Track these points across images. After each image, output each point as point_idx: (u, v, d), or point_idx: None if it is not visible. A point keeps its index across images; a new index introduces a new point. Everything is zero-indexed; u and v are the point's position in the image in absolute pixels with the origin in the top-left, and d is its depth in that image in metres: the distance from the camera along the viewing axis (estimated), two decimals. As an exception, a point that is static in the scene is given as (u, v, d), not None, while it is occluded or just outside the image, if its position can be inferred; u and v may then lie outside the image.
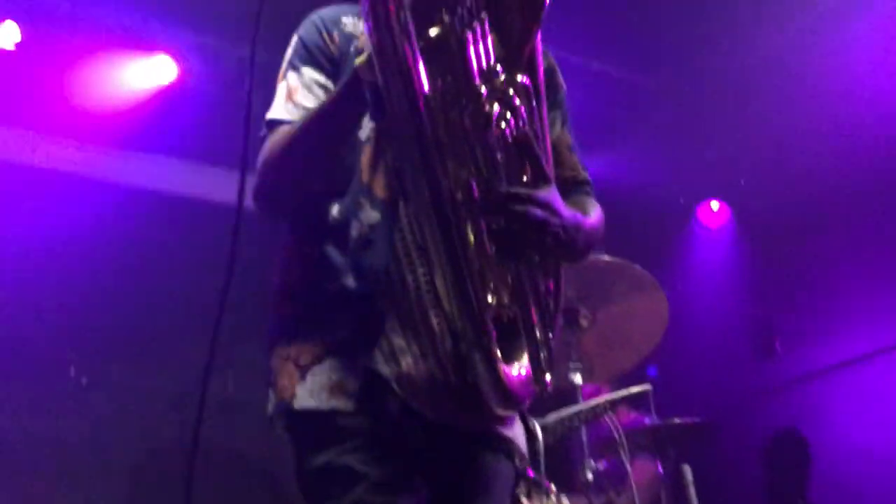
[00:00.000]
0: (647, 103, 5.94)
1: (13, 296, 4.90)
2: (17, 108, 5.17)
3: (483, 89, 1.55)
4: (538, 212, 1.60)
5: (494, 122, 1.56)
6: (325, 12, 1.99)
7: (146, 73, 5.32)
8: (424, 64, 1.46)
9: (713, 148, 6.13)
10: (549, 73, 1.99)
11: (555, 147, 1.92)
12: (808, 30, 5.20)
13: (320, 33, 1.94)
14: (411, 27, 1.43)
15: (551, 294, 1.80)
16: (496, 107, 1.56)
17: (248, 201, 1.86)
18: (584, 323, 3.72)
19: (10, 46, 4.93)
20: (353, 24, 1.95)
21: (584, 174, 2.09)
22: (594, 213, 1.94)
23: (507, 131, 1.60)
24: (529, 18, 1.60)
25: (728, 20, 5.20)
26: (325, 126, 1.78)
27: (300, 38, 1.96)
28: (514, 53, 1.60)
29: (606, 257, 3.62)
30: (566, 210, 1.71)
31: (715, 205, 6.72)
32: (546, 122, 1.76)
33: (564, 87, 2.10)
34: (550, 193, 1.67)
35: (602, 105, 5.66)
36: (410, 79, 1.43)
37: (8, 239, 4.98)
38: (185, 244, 5.26)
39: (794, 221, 6.08)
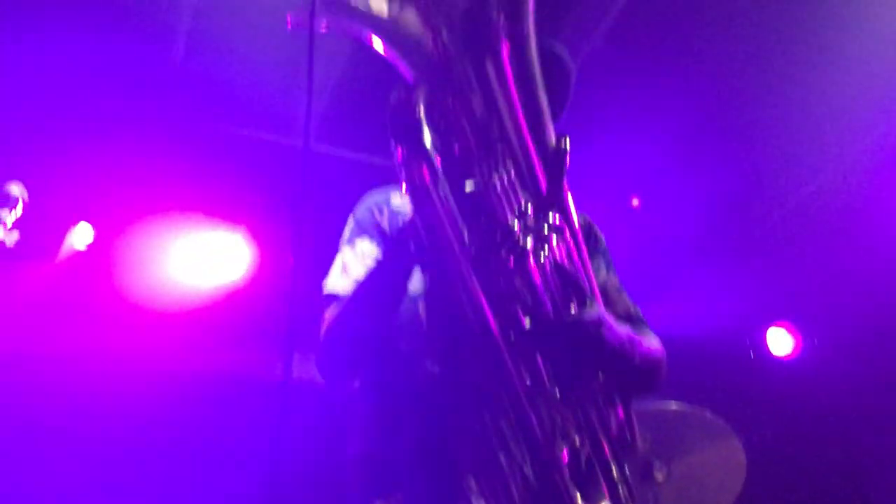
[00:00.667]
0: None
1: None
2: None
3: (516, 225, 1.63)
4: (588, 327, 1.65)
5: (531, 255, 1.62)
6: (377, 192, 2.18)
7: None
8: (460, 212, 1.58)
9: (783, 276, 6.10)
10: (587, 227, 2.14)
11: (604, 291, 1.98)
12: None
13: (371, 211, 2.11)
14: (447, 192, 1.56)
15: (622, 425, 1.81)
16: (530, 241, 1.63)
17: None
18: (659, 477, 3.61)
19: (82, 247, 5.28)
20: (403, 203, 2.09)
21: (637, 311, 2.15)
22: (652, 341, 1.99)
23: (547, 264, 1.66)
24: (552, 178, 1.69)
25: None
26: (377, 283, 1.87)
27: (354, 217, 2.13)
28: (546, 200, 1.69)
29: (675, 405, 3.57)
30: (618, 325, 1.77)
31: (781, 333, 6.57)
32: (585, 255, 1.81)
33: (603, 237, 2.22)
34: (597, 309, 1.72)
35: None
36: (450, 237, 1.56)
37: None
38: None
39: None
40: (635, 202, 5.71)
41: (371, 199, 2.15)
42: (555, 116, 1.81)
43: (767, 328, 6.58)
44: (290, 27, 1.57)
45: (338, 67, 5.14)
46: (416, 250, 1.69)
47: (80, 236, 5.36)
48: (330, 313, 1.96)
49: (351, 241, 2.07)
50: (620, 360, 1.75)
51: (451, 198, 1.57)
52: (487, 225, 1.62)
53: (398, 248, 1.78)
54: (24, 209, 3.28)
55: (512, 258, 1.61)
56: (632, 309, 2.14)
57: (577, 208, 2.05)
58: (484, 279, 1.59)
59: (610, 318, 1.75)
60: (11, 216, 3.18)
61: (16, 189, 3.27)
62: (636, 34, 4.97)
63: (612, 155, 5.45)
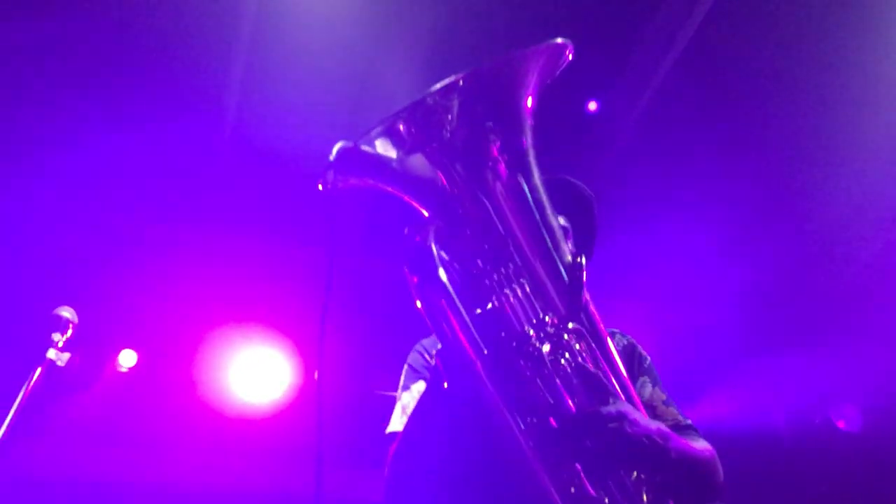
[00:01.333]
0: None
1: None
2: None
3: (531, 332, 1.70)
4: (608, 419, 1.67)
5: (547, 359, 1.69)
6: (425, 340, 2.37)
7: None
8: (478, 329, 1.67)
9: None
10: (630, 348, 2.23)
11: (650, 405, 2.05)
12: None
13: (423, 355, 2.29)
14: (462, 312, 1.66)
15: None
16: (547, 346, 1.69)
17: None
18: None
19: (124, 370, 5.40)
20: None
21: (686, 420, 2.17)
22: (700, 444, 1.98)
23: (567, 367, 1.72)
24: (571, 291, 1.77)
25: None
26: (422, 418, 1.98)
27: (408, 364, 2.31)
28: (565, 312, 1.76)
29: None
30: (649, 421, 1.76)
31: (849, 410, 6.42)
32: (614, 359, 1.84)
33: (648, 357, 2.27)
34: (622, 405, 1.72)
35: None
36: (468, 351, 1.67)
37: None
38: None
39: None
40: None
41: (420, 346, 2.35)
42: (586, 242, 1.95)
43: (836, 407, 6.45)
44: (320, 187, 1.69)
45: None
46: (445, 372, 1.78)
47: (126, 360, 5.48)
48: (391, 450, 2.07)
49: (406, 387, 2.24)
50: (652, 456, 1.72)
51: (466, 314, 1.66)
52: (504, 335, 1.70)
53: (434, 375, 1.89)
54: (74, 331, 3.39)
55: (529, 363, 1.68)
56: (681, 420, 2.17)
57: (621, 328, 2.16)
58: (505, 386, 1.66)
59: (636, 413, 1.74)
60: (63, 338, 3.29)
61: (66, 313, 3.39)
62: (681, 112, 5.10)
63: (665, 242, 5.49)
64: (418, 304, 1.67)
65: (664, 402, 2.18)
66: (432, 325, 1.68)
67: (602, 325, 1.85)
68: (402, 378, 2.28)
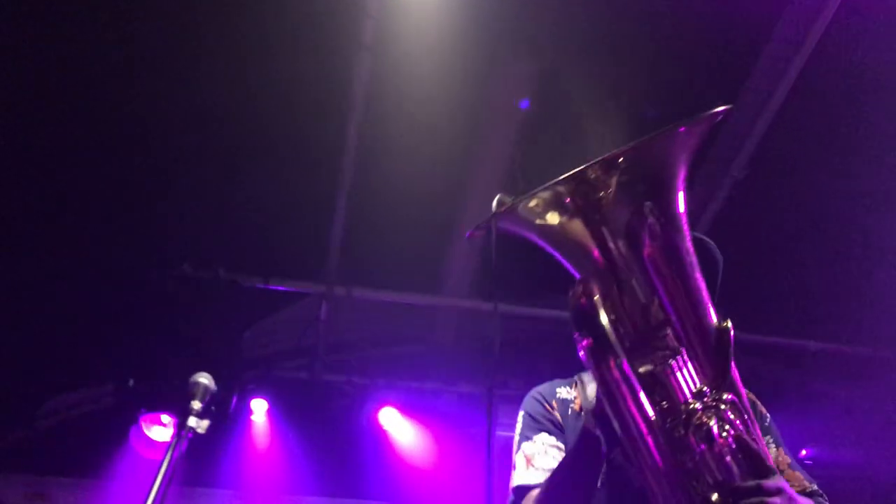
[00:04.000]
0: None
1: None
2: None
3: (697, 405, 1.67)
4: (775, 499, 1.63)
5: (716, 433, 1.65)
6: (541, 387, 2.31)
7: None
8: (644, 394, 1.64)
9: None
10: (752, 403, 2.14)
11: (778, 469, 1.94)
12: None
13: (542, 404, 2.23)
14: (632, 377, 1.63)
15: None
16: (713, 420, 1.65)
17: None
18: None
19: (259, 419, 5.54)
20: (567, 391, 2.23)
21: (814, 485, 2.12)
22: None
23: (729, 440, 1.68)
24: (720, 357, 1.73)
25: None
26: (571, 477, 1.93)
27: (527, 413, 2.24)
28: (717, 379, 1.73)
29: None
30: (800, 497, 1.74)
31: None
32: (758, 430, 1.82)
33: (769, 416, 2.23)
34: (779, 480, 1.69)
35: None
36: (636, 419, 1.63)
37: None
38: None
39: None
40: None
41: (538, 394, 2.28)
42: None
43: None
44: (469, 237, 1.74)
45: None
46: (605, 439, 1.77)
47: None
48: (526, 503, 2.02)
49: (528, 437, 2.16)
50: None
51: (634, 378, 1.63)
52: (668, 405, 1.66)
53: (587, 441, 1.84)
54: (212, 397, 3.49)
55: (699, 436, 1.64)
56: (808, 485, 2.11)
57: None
58: (670, 457, 1.63)
59: (791, 490, 1.73)
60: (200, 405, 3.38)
61: (204, 379, 3.49)
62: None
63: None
64: (589, 364, 1.66)
65: (790, 466, 2.14)
66: (602, 387, 1.66)
67: (744, 392, 1.82)
68: (520, 426, 2.22)
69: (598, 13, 4.52)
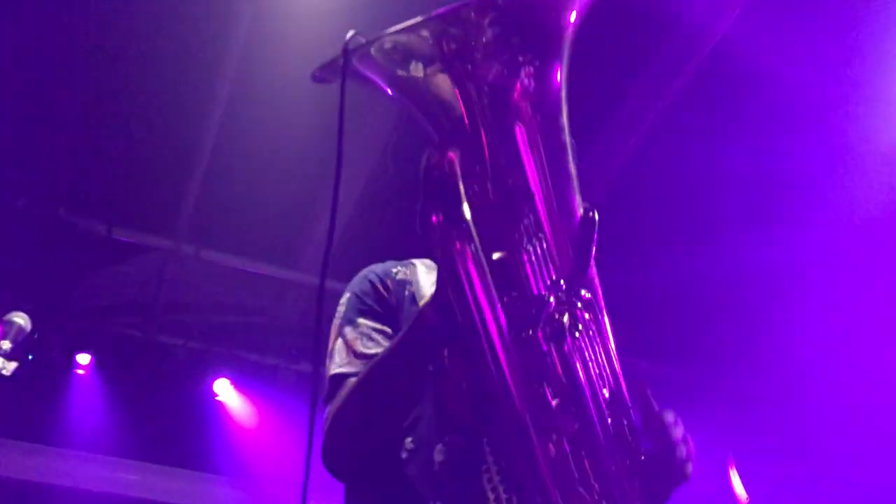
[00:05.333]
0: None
1: None
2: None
3: (550, 299, 1.49)
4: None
5: (566, 333, 1.49)
6: (375, 267, 2.01)
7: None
8: (494, 283, 1.44)
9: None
10: None
11: None
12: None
13: (373, 285, 1.94)
14: (483, 263, 1.42)
15: None
16: (566, 317, 1.49)
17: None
18: None
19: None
20: (404, 272, 1.98)
21: None
22: None
23: (581, 342, 1.53)
24: (581, 250, 1.55)
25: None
26: (396, 368, 1.71)
27: (353, 294, 1.94)
28: (575, 273, 1.55)
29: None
30: None
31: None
32: (610, 337, 1.65)
33: None
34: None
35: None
36: (485, 316, 1.42)
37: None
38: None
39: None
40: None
41: (370, 273, 1.99)
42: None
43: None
44: (315, 80, 1.50)
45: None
46: (443, 324, 1.54)
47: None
48: (343, 393, 1.77)
49: (351, 320, 1.89)
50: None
51: (484, 263, 1.42)
52: (521, 298, 1.49)
53: (420, 328, 1.63)
54: (25, 339, 3.24)
55: (547, 333, 1.47)
56: None
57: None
58: (518, 357, 1.44)
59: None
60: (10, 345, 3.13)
61: (19, 319, 3.23)
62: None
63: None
64: (435, 246, 1.42)
65: None
66: (446, 268, 1.44)
67: (602, 301, 1.63)
68: (343, 308, 1.91)
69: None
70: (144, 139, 5.10)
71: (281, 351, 6.43)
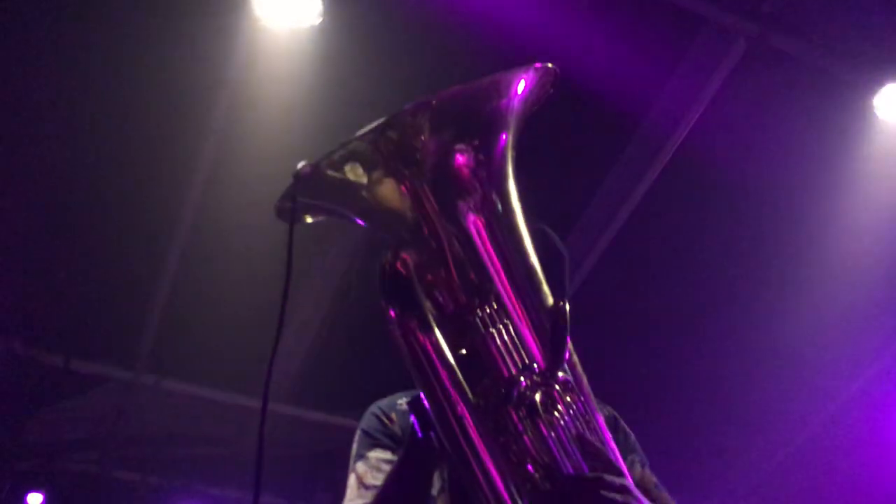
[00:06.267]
0: None
1: None
2: None
3: (522, 379, 1.51)
4: (615, 496, 1.47)
5: (540, 410, 1.49)
6: (381, 402, 2.08)
7: None
8: (461, 372, 1.46)
9: None
10: (613, 420, 2.00)
11: (644, 490, 1.76)
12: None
13: (379, 418, 2.01)
14: (446, 352, 1.46)
15: None
16: (538, 394, 1.50)
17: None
18: None
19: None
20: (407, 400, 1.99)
21: None
22: None
23: (561, 420, 1.52)
24: (555, 340, 1.56)
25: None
26: (399, 488, 1.74)
27: (362, 430, 2.01)
28: (552, 359, 1.56)
29: None
30: (647, 499, 1.57)
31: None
32: (602, 425, 1.64)
33: (632, 433, 2.07)
34: (623, 479, 1.53)
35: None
36: (452, 400, 1.45)
37: None
38: None
39: None
40: None
41: (376, 408, 2.06)
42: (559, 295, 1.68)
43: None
44: (277, 215, 1.55)
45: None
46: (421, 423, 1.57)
47: None
48: None
49: (362, 455, 1.95)
50: None
51: (450, 354, 1.46)
52: (490, 381, 1.50)
53: (414, 447, 1.66)
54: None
55: (521, 412, 1.48)
56: None
57: (602, 399, 1.91)
58: (495, 439, 1.45)
59: (634, 487, 1.54)
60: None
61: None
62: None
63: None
64: (397, 340, 1.47)
65: (656, 486, 1.97)
66: (411, 365, 1.47)
67: (587, 385, 1.64)
68: (355, 446, 1.99)
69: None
70: (104, 268, 5.06)
71: (244, 483, 6.22)
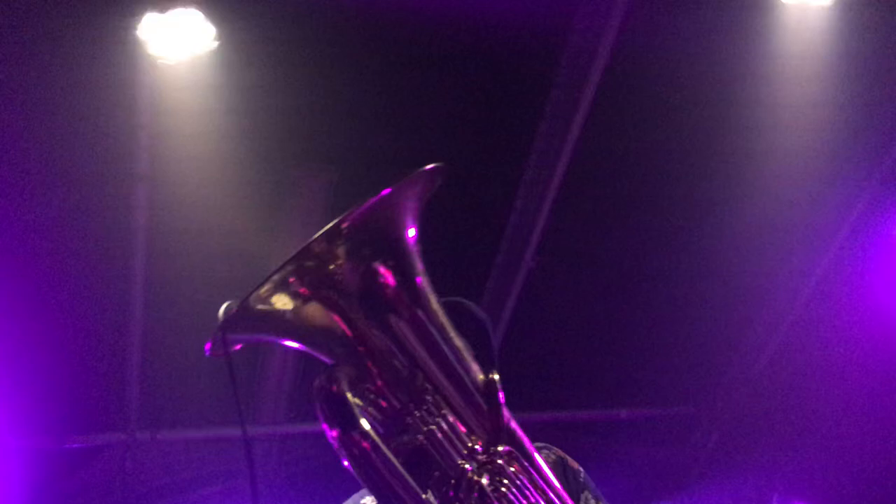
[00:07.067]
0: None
1: None
2: None
3: (467, 465, 1.63)
4: None
5: (489, 492, 1.63)
6: (356, 494, 2.16)
7: None
8: (409, 474, 1.58)
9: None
10: (560, 463, 2.11)
11: None
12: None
13: None
14: (391, 459, 1.57)
15: None
16: (484, 476, 1.63)
17: None
18: None
19: None
20: (371, 499, 2.11)
21: None
22: None
23: (510, 493, 1.66)
24: (491, 412, 1.72)
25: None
26: None
27: None
28: (491, 434, 1.71)
29: None
30: None
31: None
32: (547, 474, 1.80)
33: (581, 470, 2.19)
34: None
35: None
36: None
37: None
38: None
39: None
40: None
41: (350, 501, 2.16)
42: (489, 361, 1.84)
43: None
44: (209, 353, 1.60)
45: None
46: None
47: None
48: None
49: None
50: None
51: (395, 460, 1.58)
52: (439, 475, 1.63)
53: None
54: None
55: (473, 499, 1.61)
56: None
57: (546, 444, 2.08)
58: None
59: None
60: None
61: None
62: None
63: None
64: (343, 457, 1.57)
65: None
66: (362, 478, 1.58)
67: (529, 442, 1.80)
68: None
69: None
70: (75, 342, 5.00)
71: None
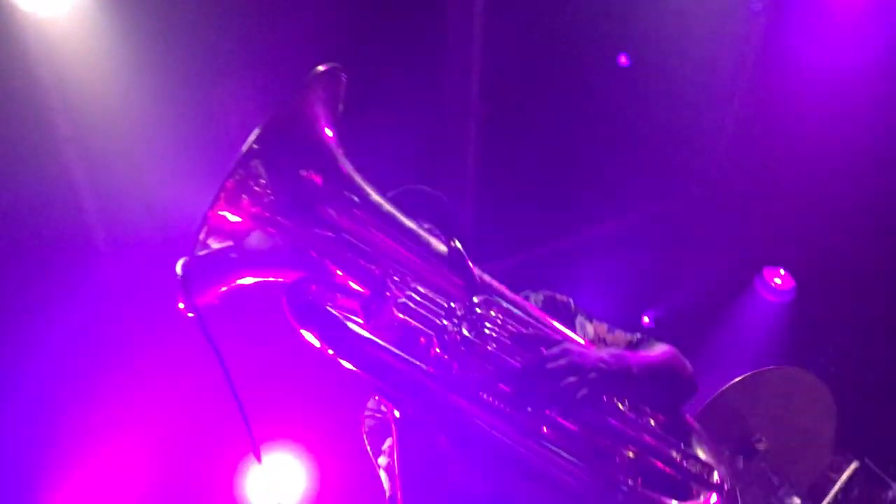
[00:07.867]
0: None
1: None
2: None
3: (445, 322, 1.73)
4: (559, 361, 1.71)
5: (472, 337, 1.72)
6: (370, 402, 2.31)
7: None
8: (398, 346, 1.68)
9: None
10: (550, 299, 2.24)
11: (598, 339, 2.11)
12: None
13: (373, 416, 2.24)
14: (378, 339, 1.66)
15: (664, 425, 1.88)
16: (465, 328, 1.73)
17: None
18: (761, 447, 3.54)
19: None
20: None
21: (635, 336, 2.22)
22: (658, 349, 2.05)
23: (495, 334, 1.75)
24: (462, 273, 1.81)
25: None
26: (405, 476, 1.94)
27: (366, 434, 2.26)
28: (465, 290, 1.81)
29: (737, 379, 3.54)
30: (595, 350, 1.82)
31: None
32: (533, 309, 1.90)
33: (570, 299, 2.31)
34: (563, 343, 1.77)
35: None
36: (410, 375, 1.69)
37: None
38: None
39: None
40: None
41: (367, 411, 2.28)
42: (455, 232, 1.96)
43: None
44: (188, 312, 1.63)
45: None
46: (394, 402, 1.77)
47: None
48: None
49: (379, 452, 2.19)
50: (615, 376, 1.79)
51: (384, 343, 1.65)
52: (425, 340, 1.72)
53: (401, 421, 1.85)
54: None
55: (462, 349, 1.70)
56: (631, 337, 2.21)
57: (533, 286, 2.20)
58: (451, 381, 1.67)
59: (578, 343, 1.81)
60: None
61: None
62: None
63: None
64: (340, 359, 1.63)
65: (608, 331, 2.21)
66: (362, 371, 1.65)
67: (508, 290, 1.89)
68: (369, 448, 2.25)
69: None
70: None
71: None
